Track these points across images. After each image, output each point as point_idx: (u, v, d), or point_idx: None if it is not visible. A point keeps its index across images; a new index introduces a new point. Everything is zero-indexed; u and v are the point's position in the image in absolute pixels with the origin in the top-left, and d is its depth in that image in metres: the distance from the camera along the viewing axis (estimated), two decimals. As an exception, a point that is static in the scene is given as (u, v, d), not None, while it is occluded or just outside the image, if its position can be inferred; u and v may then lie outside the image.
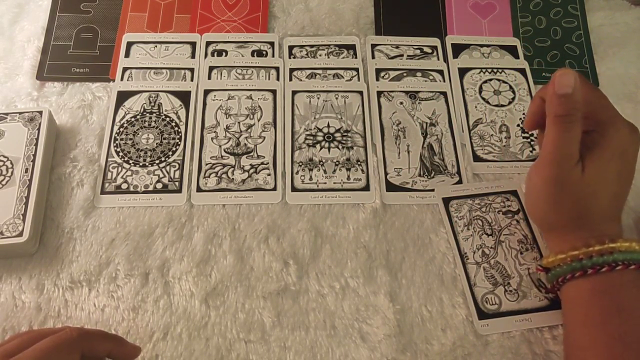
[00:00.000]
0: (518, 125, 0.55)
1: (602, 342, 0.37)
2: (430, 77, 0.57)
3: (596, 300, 0.39)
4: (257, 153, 0.51)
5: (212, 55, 0.57)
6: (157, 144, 0.51)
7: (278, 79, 0.56)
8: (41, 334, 0.34)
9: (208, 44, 0.58)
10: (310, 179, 0.50)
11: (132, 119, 0.52)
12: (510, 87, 0.57)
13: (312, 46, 0.58)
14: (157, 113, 0.53)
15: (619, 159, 0.40)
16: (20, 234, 0.43)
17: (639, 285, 0.38)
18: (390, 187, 0.50)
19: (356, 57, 0.58)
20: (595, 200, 0.40)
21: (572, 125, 0.39)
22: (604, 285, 0.39)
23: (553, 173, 0.40)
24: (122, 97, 0.54)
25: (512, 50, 0.59)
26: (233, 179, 0.50)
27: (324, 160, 0.51)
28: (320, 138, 0.53)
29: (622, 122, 0.41)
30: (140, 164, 0.50)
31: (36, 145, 0.48)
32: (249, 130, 0.53)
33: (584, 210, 0.40)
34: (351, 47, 0.58)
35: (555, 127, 0.39)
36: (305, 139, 0.52)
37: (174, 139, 0.52)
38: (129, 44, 0.57)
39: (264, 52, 0.58)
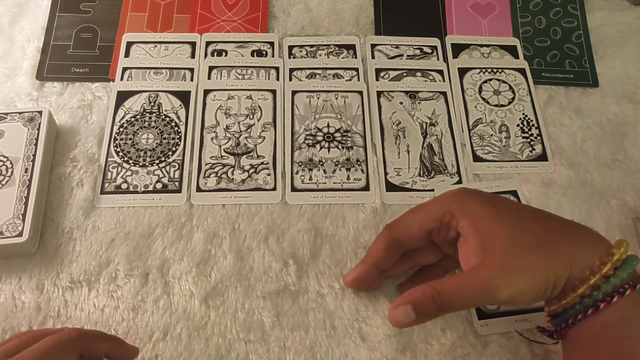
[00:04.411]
0: (518, 125, 0.55)
1: None
2: (430, 77, 0.57)
3: (607, 336, 0.34)
4: (256, 153, 0.51)
5: (212, 55, 0.57)
6: (157, 144, 0.51)
7: (278, 79, 0.56)
8: (40, 335, 0.34)
9: (208, 44, 0.58)
10: (310, 179, 0.50)
11: (132, 119, 0.52)
12: (510, 87, 0.57)
13: (312, 46, 0.58)
14: (157, 113, 0.53)
15: (487, 222, 0.36)
16: (20, 234, 0.43)
17: None
18: (390, 187, 0.50)
19: (356, 57, 0.58)
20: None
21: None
22: (614, 318, 0.34)
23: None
24: (122, 97, 0.54)
25: (512, 50, 0.59)
26: (233, 179, 0.50)
27: (323, 160, 0.51)
28: (320, 138, 0.53)
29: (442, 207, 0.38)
30: (140, 164, 0.50)
31: (36, 145, 0.48)
32: (248, 130, 0.53)
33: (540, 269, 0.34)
34: (351, 47, 0.58)
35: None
36: (305, 139, 0.52)
37: (173, 139, 0.52)
38: (129, 44, 0.57)
39: (264, 52, 0.58)
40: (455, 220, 0.37)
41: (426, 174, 0.51)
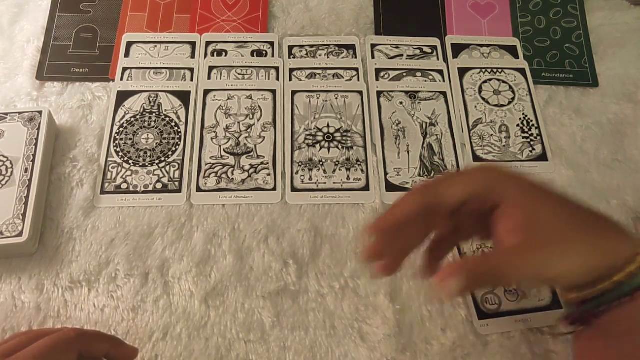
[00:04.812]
0: (518, 125, 0.54)
1: None
2: (430, 77, 0.57)
3: None
4: (256, 153, 0.51)
5: (212, 55, 0.57)
6: (156, 144, 0.51)
7: (278, 79, 0.56)
8: (40, 334, 0.34)
9: (208, 44, 0.58)
10: (310, 179, 0.50)
11: (132, 119, 0.52)
12: (510, 87, 0.57)
13: (312, 46, 0.58)
14: (157, 113, 0.53)
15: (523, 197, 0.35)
16: (20, 234, 0.43)
17: None
18: (390, 187, 0.50)
19: (356, 57, 0.58)
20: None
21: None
22: None
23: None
24: (122, 97, 0.54)
25: (512, 50, 0.59)
26: (233, 179, 0.50)
27: (323, 160, 0.51)
28: (320, 138, 0.53)
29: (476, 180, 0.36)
30: (140, 164, 0.50)
31: (36, 145, 0.48)
32: (248, 130, 0.53)
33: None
34: (351, 47, 0.58)
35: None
36: (305, 139, 0.52)
37: (173, 139, 0.52)
38: (129, 44, 0.57)
39: (264, 52, 0.58)
40: (496, 194, 0.36)
41: (426, 174, 0.51)
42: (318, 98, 0.55)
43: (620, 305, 0.34)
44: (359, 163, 0.51)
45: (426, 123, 0.54)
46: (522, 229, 0.35)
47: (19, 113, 0.49)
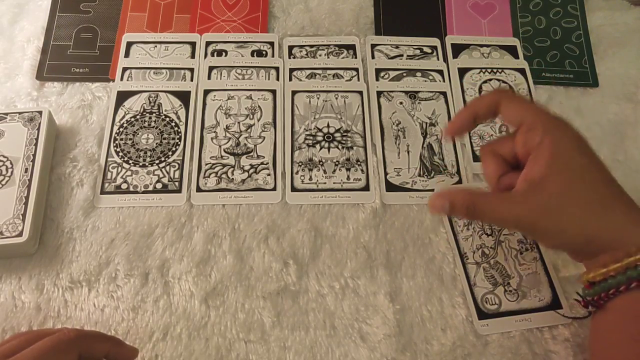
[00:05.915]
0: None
1: None
2: (430, 77, 0.57)
3: None
4: (256, 153, 0.51)
5: (212, 55, 0.57)
6: (156, 144, 0.51)
7: (278, 79, 0.56)
8: (39, 335, 0.34)
9: (208, 44, 0.58)
10: (310, 179, 0.50)
11: (132, 119, 0.52)
12: (510, 87, 0.57)
13: (312, 46, 0.58)
14: (157, 113, 0.53)
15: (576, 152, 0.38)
16: (20, 234, 0.43)
17: None
18: (390, 187, 0.50)
19: (356, 57, 0.58)
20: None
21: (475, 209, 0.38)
22: None
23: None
24: (122, 97, 0.54)
25: (512, 50, 0.59)
26: (233, 179, 0.50)
27: (323, 160, 0.51)
28: (320, 138, 0.53)
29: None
30: (140, 164, 0.50)
31: (36, 145, 0.48)
32: (248, 130, 0.53)
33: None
34: (351, 47, 0.58)
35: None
36: (305, 139, 0.52)
37: (173, 139, 0.52)
38: (129, 44, 0.57)
39: (264, 52, 0.58)
40: (540, 139, 0.37)
41: (426, 174, 0.51)
42: (318, 98, 0.55)
43: (631, 289, 0.34)
44: (359, 163, 0.51)
45: (426, 123, 0.54)
46: (535, 181, 0.37)
47: (19, 113, 0.49)
